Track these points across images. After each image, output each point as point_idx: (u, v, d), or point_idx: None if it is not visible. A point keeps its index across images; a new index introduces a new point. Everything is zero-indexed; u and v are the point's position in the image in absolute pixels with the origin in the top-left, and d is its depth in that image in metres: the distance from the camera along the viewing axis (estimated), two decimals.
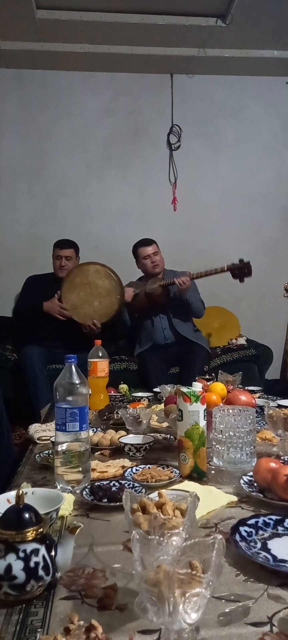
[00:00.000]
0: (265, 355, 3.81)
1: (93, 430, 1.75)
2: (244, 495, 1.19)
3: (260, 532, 0.97)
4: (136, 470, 1.34)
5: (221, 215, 4.53)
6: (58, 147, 4.43)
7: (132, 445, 1.52)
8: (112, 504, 1.13)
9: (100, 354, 2.24)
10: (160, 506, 0.89)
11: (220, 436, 1.35)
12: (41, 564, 0.79)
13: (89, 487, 1.20)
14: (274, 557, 0.89)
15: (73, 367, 1.28)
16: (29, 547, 0.79)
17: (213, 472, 1.36)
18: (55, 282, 3.66)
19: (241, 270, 3.48)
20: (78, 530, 0.84)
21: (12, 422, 2.12)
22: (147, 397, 2.39)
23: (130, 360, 3.63)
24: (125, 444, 1.53)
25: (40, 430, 1.80)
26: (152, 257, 3.62)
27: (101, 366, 2.22)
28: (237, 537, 0.93)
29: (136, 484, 1.23)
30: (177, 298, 3.53)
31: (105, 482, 1.22)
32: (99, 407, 2.09)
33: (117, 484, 1.22)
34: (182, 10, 3.78)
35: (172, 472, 1.32)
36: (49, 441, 1.64)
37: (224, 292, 4.35)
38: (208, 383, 1.97)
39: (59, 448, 1.26)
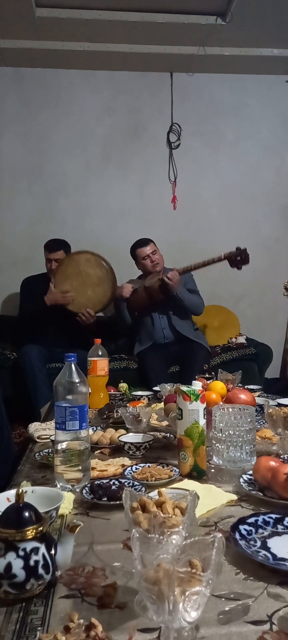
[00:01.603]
0: (265, 354, 3.81)
1: (93, 429, 1.75)
2: (244, 493, 1.19)
3: (260, 530, 0.97)
4: (136, 468, 1.34)
5: (221, 214, 4.53)
6: (58, 145, 4.43)
7: (131, 444, 1.52)
8: (111, 502, 1.13)
9: (100, 353, 2.24)
10: (160, 505, 0.89)
11: (220, 435, 1.35)
12: (41, 563, 0.79)
13: (88, 485, 1.20)
14: (274, 555, 0.89)
15: (73, 365, 1.28)
16: (29, 546, 0.79)
17: (213, 470, 1.36)
18: (49, 282, 3.66)
19: (238, 258, 3.48)
20: (78, 529, 0.84)
21: (11, 421, 2.12)
22: (146, 396, 2.39)
23: (130, 359, 3.63)
24: (125, 443, 1.53)
25: (40, 429, 1.80)
26: (151, 256, 3.62)
27: (101, 365, 2.22)
28: (237, 536, 0.93)
29: (136, 483, 1.23)
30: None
31: (105, 481, 1.22)
32: (99, 406, 2.08)
33: (116, 482, 1.22)
34: (182, 8, 3.78)
35: (171, 470, 1.32)
36: (49, 440, 1.65)
37: (224, 291, 4.35)
38: (208, 382, 1.97)
39: (59, 447, 1.26)
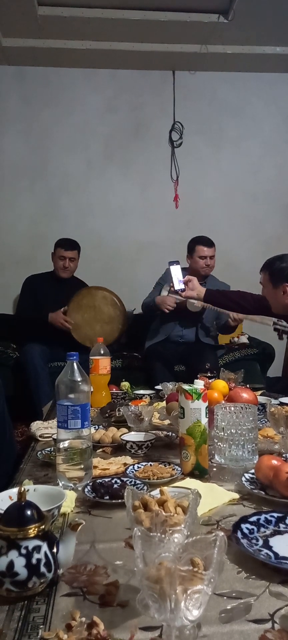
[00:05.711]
0: (267, 353, 3.80)
1: (95, 427, 1.75)
2: (246, 492, 1.19)
3: (262, 529, 0.97)
4: (138, 467, 1.34)
5: (223, 213, 4.53)
6: (59, 144, 4.43)
7: (133, 442, 1.52)
8: (113, 501, 1.13)
9: (102, 351, 2.24)
10: (161, 503, 0.89)
11: (222, 433, 1.35)
12: (43, 561, 0.79)
13: (90, 484, 1.21)
14: (276, 554, 0.89)
15: (75, 364, 1.28)
16: (31, 544, 0.79)
17: (215, 469, 1.36)
18: (55, 281, 3.67)
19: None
20: (80, 527, 0.84)
21: (13, 419, 2.12)
22: (148, 395, 2.39)
23: (132, 357, 3.63)
24: (127, 442, 1.53)
25: (42, 428, 1.80)
26: (208, 259, 3.51)
27: (103, 364, 2.22)
28: (239, 535, 0.93)
29: (138, 481, 1.23)
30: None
31: (107, 480, 1.22)
32: (101, 405, 2.09)
33: (118, 481, 1.22)
34: (184, 6, 3.77)
35: (173, 469, 1.32)
36: (51, 438, 1.65)
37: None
38: (210, 381, 1.97)
39: (61, 445, 1.26)
